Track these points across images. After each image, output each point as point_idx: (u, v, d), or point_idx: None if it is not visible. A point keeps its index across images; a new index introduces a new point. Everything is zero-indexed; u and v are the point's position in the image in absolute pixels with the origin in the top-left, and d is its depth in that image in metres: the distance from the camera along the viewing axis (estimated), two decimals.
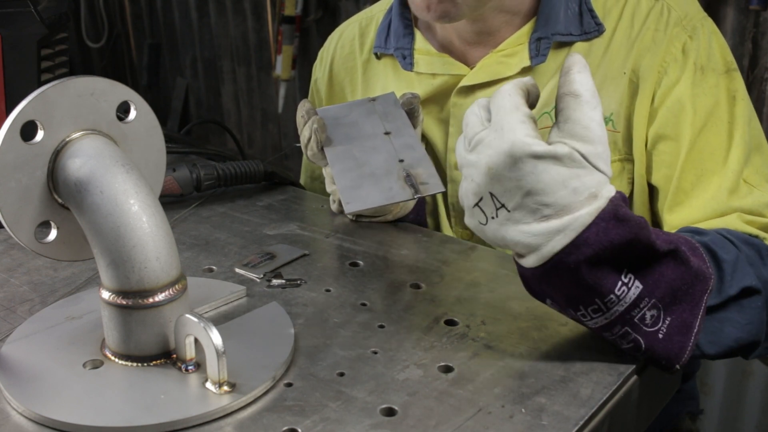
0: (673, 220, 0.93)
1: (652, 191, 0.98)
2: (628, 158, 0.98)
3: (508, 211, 0.64)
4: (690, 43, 0.94)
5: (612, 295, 0.66)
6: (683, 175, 0.93)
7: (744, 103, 0.94)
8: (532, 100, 0.66)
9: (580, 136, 0.63)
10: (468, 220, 0.68)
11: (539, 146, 0.61)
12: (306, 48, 2.93)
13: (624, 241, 0.63)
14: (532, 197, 0.62)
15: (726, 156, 0.91)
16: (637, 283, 0.66)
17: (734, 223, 0.87)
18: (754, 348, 0.77)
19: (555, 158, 0.62)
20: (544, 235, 0.63)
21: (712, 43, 0.95)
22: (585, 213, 0.63)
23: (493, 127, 0.64)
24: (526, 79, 0.66)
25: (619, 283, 0.65)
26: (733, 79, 0.94)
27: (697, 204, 0.91)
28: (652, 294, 0.67)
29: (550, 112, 0.99)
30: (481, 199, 0.65)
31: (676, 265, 0.67)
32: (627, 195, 0.99)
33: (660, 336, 0.68)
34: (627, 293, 0.66)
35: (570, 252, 0.63)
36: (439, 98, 1.05)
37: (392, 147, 0.88)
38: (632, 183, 0.99)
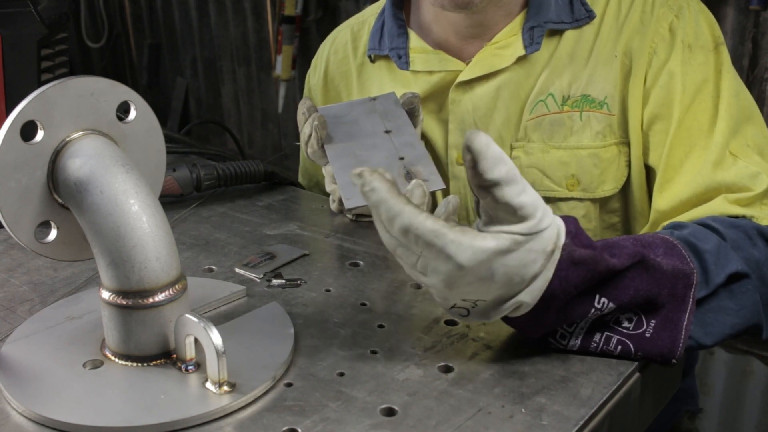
0: (661, 200, 0.94)
1: (650, 173, 0.99)
2: (624, 141, 0.99)
3: (484, 301, 0.65)
4: (677, 22, 0.96)
5: (586, 318, 0.68)
6: (672, 152, 0.94)
7: (729, 76, 0.94)
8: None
9: (515, 218, 0.61)
10: (451, 316, 0.69)
11: (481, 254, 0.60)
12: (306, 48, 2.93)
13: (585, 279, 0.65)
14: (499, 288, 0.63)
15: (712, 130, 0.92)
16: (611, 305, 0.68)
17: (720, 206, 0.87)
18: (758, 330, 0.77)
19: (501, 253, 0.61)
20: (518, 302, 0.65)
21: (700, 21, 0.96)
22: (547, 272, 0.64)
23: (431, 255, 0.61)
24: (388, 182, 0.61)
25: (593, 309, 0.67)
26: (719, 53, 0.95)
27: (684, 180, 0.92)
28: (626, 308, 0.69)
29: (545, 99, 1.00)
30: (454, 305, 0.66)
31: (649, 275, 0.68)
32: (625, 179, 1.00)
33: (647, 336, 0.69)
34: (602, 312, 0.68)
35: (542, 308, 0.66)
36: (436, 95, 1.06)
37: (392, 145, 0.89)
38: (629, 166, 0.99)
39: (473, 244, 0.60)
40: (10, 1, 1.22)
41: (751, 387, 1.96)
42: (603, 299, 0.67)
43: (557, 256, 0.64)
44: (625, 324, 0.69)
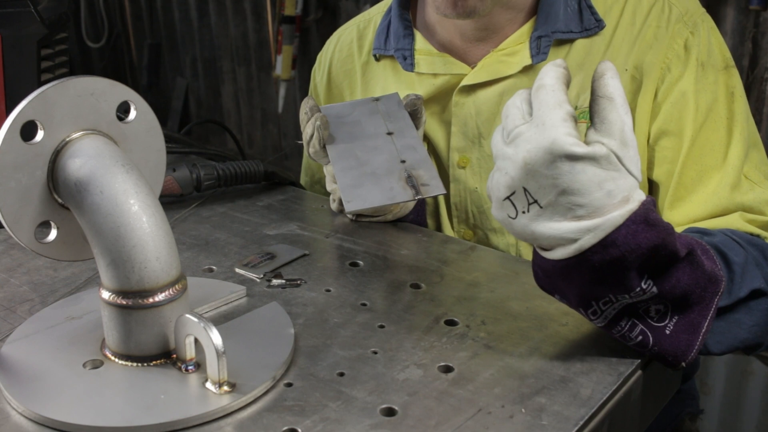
0: (674, 216, 0.93)
1: (652, 187, 0.99)
2: None
3: (541, 207, 0.63)
4: (692, 39, 0.95)
5: (627, 295, 0.66)
6: (684, 171, 0.93)
7: (742, 100, 0.95)
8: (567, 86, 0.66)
9: (617, 137, 0.62)
10: (496, 212, 0.67)
11: (579, 147, 0.60)
12: (306, 48, 2.93)
13: (651, 245, 0.63)
14: (566, 196, 0.62)
15: (726, 152, 0.92)
16: (654, 288, 0.66)
17: (736, 222, 0.87)
18: (758, 348, 0.78)
19: (593, 159, 0.61)
20: (575, 233, 0.63)
21: (712, 40, 0.96)
22: (617, 215, 0.62)
23: (535, 122, 0.62)
24: (564, 69, 0.65)
25: (638, 288, 0.66)
26: (731, 76, 0.95)
27: (699, 199, 0.91)
28: (664, 298, 0.67)
29: None
30: (513, 193, 0.64)
31: (692, 270, 0.67)
32: None
33: (667, 332, 0.68)
34: (643, 296, 0.66)
35: (597, 251, 0.63)
36: (440, 98, 1.05)
37: (394, 147, 0.89)
38: None
39: (577, 133, 0.61)
40: (10, 1, 1.22)
41: (751, 387, 1.96)
42: (650, 280, 0.66)
43: (632, 207, 0.62)
44: (652, 314, 0.68)
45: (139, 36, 3.87)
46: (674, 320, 0.68)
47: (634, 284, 0.65)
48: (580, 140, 0.61)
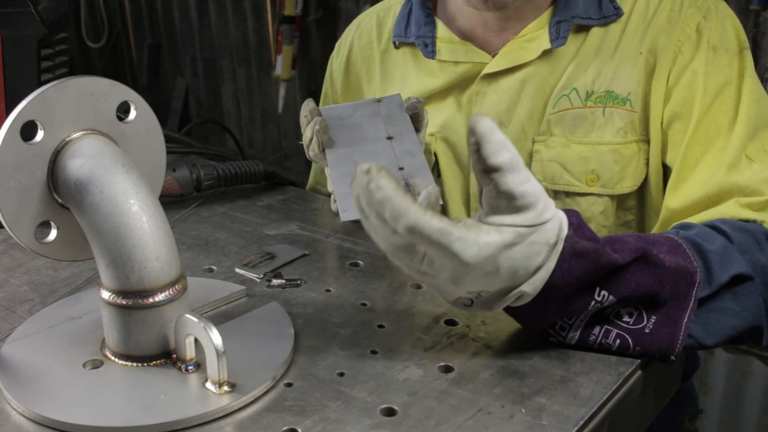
0: (673, 199, 0.94)
1: (666, 172, 1.00)
2: (645, 139, 0.99)
3: (489, 293, 0.65)
4: (704, 23, 0.96)
5: (586, 311, 0.68)
6: (689, 152, 0.94)
7: (752, 81, 0.95)
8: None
9: (518, 208, 0.61)
10: (454, 306, 0.69)
11: (487, 249, 0.60)
12: (306, 48, 2.93)
13: (587, 271, 0.66)
14: (505, 279, 0.63)
15: (730, 132, 0.92)
16: (611, 297, 0.68)
17: (731, 210, 0.87)
18: (759, 334, 0.77)
19: (507, 245, 0.61)
20: (520, 292, 0.65)
21: (726, 25, 0.97)
22: (549, 263, 0.64)
23: (437, 253, 0.61)
24: (400, 192, 0.60)
25: (593, 302, 0.68)
26: (744, 58, 0.96)
27: (699, 180, 0.92)
28: (626, 302, 0.69)
29: (569, 94, 1.00)
30: (458, 298, 0.66)
31: (651, 270, 0.68)
32: (644, 176, 1.00)
33: (647, 331, 0.69)
34: (601, 306, 0.68)
35: (543, 299, 0.66)
36: (461, 86, 1.06)
37: (393, 153, 0.88)
38: (648, 164, 1.00)
39: (478, 240, 0.60)
40: (10, 1, 1.22)
41: (751, 387, 1.96)
42: (603, 292, 0.67)
43: (560, 247, 0.64)
44: (626, 318, 0.69)
45: (139, 36, 3.86)
46: (653, 319, 0.69)
47: (587, 303, 0.68)
48: (484, 232, 0.60)
